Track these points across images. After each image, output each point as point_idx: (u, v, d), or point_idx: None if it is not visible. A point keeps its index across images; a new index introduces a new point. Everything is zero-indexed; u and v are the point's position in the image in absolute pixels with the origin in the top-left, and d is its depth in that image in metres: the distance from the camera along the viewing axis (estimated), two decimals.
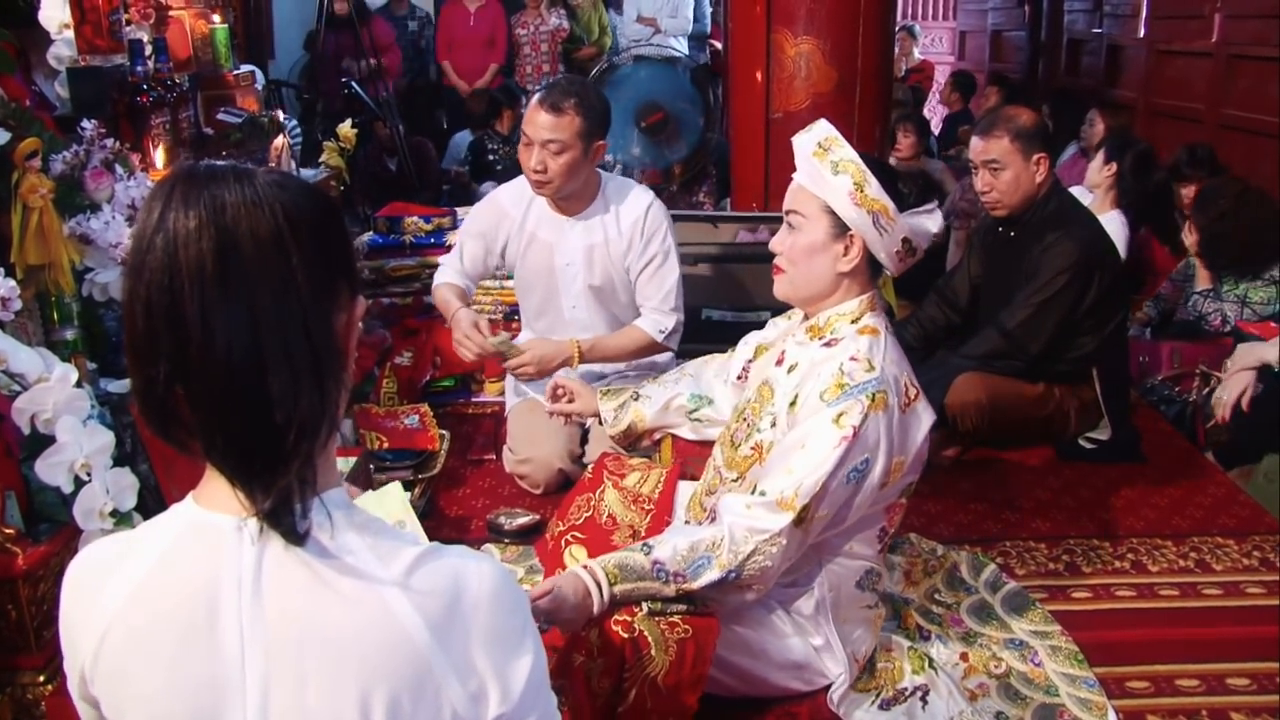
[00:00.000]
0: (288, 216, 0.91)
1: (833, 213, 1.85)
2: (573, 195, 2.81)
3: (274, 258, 0.89)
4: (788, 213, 1.92)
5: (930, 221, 1.88)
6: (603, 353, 2.85)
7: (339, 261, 0.97)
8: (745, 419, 1.99)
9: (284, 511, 0.92)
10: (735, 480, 1.95)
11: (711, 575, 1.74)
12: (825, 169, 1.83)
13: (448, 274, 2.99)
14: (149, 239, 0.90)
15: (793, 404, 1.84)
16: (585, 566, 1.75)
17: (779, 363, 1.96)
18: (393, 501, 1.54)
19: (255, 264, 0.89)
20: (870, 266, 1.90)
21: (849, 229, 1.85)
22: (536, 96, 2.75)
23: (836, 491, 1.74)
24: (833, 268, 1.88)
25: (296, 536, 0.93)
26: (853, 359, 1.80)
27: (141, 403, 0.94)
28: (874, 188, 1.81)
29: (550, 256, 2.88)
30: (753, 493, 1.78)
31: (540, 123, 2.67)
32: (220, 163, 0.94)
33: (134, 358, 0.93)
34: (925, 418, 1.86)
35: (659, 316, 2.86)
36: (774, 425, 1.89)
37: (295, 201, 0.93)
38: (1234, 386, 3.09)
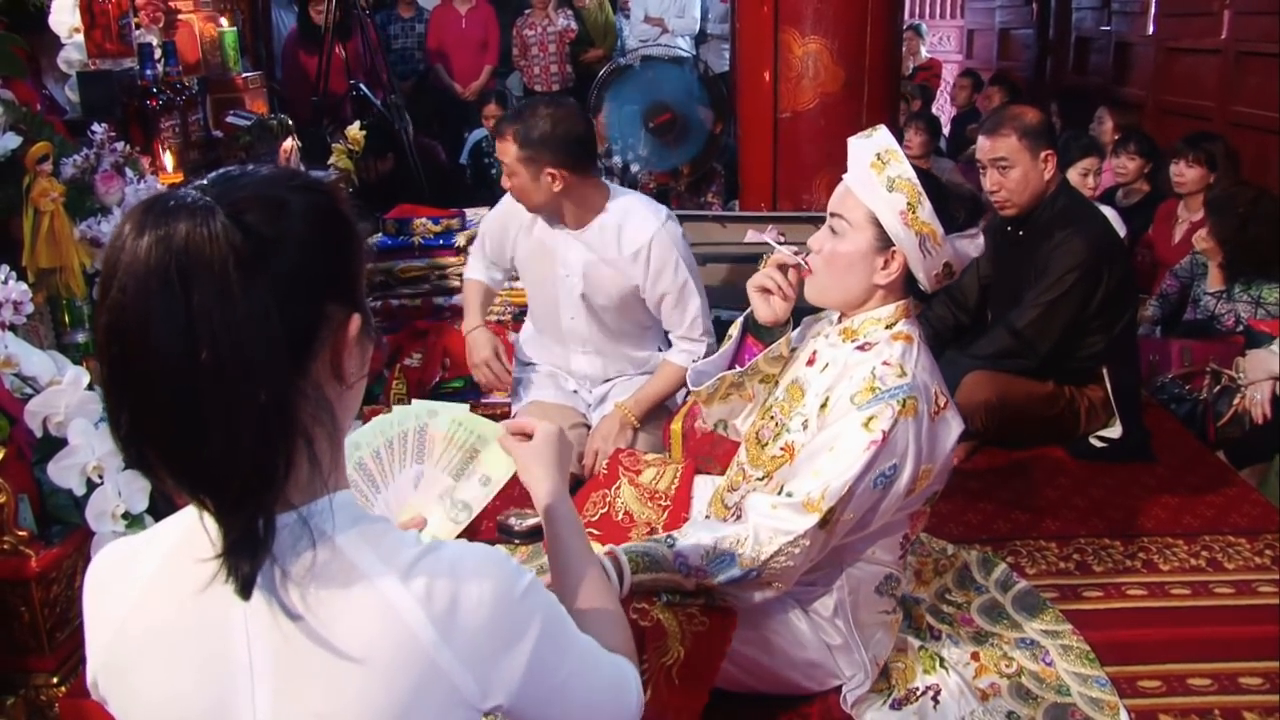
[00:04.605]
0: (240, 261, 0.86)
1: (879, 225, 1.81)
2: (564, 210, 2.73)
3: (213, 299, 0.85)
4: (832, 215, 1.88)
5: (971, 247, 1.85)
6: (648, 401, 2.80)
7: (332, 284, 0.95)
8: (774, 418, 1.97)
9: (239, 561, 0.90)
10: (761, 479, 1.93)
11: (733, 572, 1.74)
12: (880, 183, 1.79)
13: (475, 268, 3.04)
14: (110, 261, 0.88)
15: (824, 406, 1.83)
16: (609, 552, 1.74)
17: (810, 363, 1.94)
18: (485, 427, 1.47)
19: (194, 303, 0.85)
20: (907, 279, 1.86)
21: (893, 244, 1.82)
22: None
23: (863, 495, 1.73)
24: (869, 279, 1.85)
25: (245, 591, 0.91)
26: (885, 364, 1.78)
27: (112, 432, 0.92)
28: (926, 210, 1.77)
29: (552, 264, 2.83)
30: (779, 493, 1.77)
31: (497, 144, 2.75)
32: (190, 191, 0.90)
33: (101, 383, 0.92)
34: (955, 426, 1.84)
35: (689, 345, 2.81)
36: (805, 427, 1.87)
37: (257, 240, 0.88)
38: (1264, 390, 3.13)
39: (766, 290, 1.97)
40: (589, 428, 2.93)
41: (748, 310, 2.04)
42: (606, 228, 2.74)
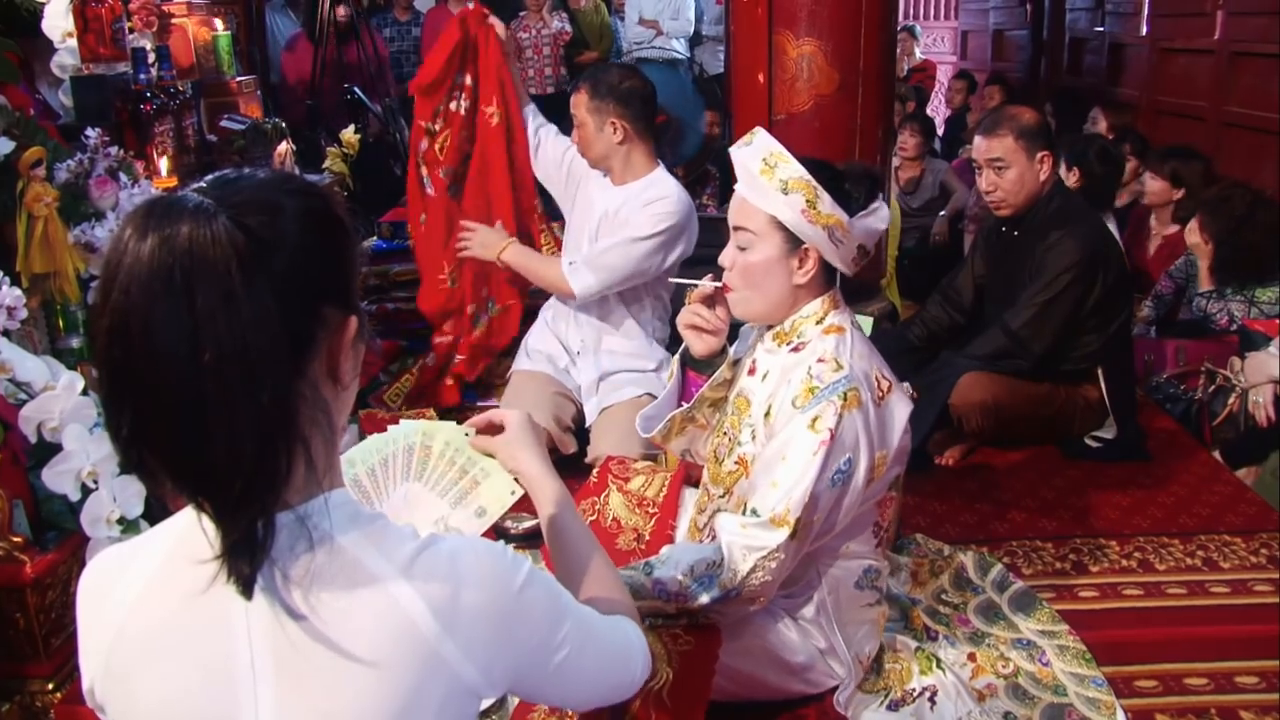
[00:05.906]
0: (241, 262, 0.87)
1: (784, 228, 1.80)
2: (615, 167, 2.93)
3: (217, 301, 0.86)
4: (735, 229, 1.86)
5: (876, 220, 1.83)
6: (525, 260, 3.00)
7: (328, 287, 0.96)
8: (726, 433, 1.97)
9: (239, 562, 0.91)
10: (723, 496, 1.94)
11: (713, 594, 1.74)
12: (774, 186, 1.77)
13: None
14: (111, 264, 0.89)
15: (767, 414, 1.83)
16: None
17: (751, 372, 1.94)
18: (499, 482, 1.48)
19: (198, 305, 0.86)
20: (825, 270, 1.85)
21: (803, 243, 1.81)
22: None
23: (824, 497, 1.73)
24: (788, 281, 1.83)
25: (247, 591, 0.91)
26: (820, 360, 1.77)
27: (111, 436, 0.92)
28: (826, 203, 1.76)
29: (588, 207, 3.01)
30: (744, 512, 1.77)
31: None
32: (190, 193, 0.91)
33: (100, 387, 0.92)
34: (901, 408, 1.83)
35: (576, 258, 2.91)
36: (754, 437, 1.87)
37: (258, 242, 0.88)
38: (1265, 393, 3.12)
39: (697, 328, 1.98)
40: (574, 402, 3.01)
41: (682, 347, 2.05)
42: (640, 184, 2.93)
